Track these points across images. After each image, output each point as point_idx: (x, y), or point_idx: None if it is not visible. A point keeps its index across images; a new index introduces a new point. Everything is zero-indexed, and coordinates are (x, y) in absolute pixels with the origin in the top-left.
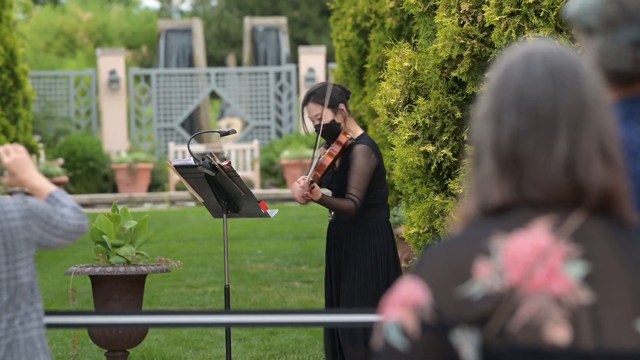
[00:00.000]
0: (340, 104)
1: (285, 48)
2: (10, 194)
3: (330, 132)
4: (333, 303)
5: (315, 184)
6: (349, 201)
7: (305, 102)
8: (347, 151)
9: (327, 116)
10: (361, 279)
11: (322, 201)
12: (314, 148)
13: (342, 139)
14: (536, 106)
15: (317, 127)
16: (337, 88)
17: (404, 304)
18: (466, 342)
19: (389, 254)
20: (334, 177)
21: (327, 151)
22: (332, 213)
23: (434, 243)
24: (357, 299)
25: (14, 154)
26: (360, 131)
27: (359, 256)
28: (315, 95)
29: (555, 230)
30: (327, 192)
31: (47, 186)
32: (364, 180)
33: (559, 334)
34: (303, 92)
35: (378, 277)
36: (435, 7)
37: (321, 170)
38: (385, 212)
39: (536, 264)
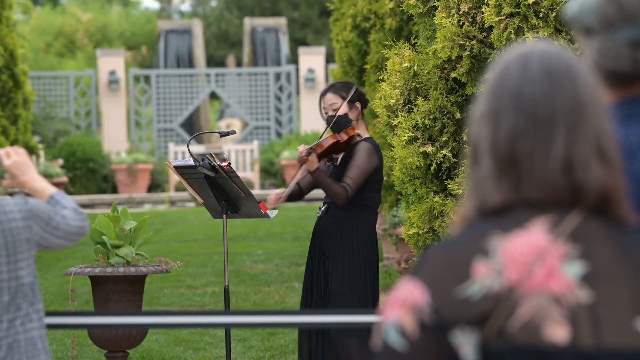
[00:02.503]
0: (357, 102)
1: (285, 48)
2: (11, 194)
3: (340, 125)
4: (313, 296)
5: (313, 154)
6: (342, 187)
7: (325, 93)
8: (350, 147)
9: (343, 109)
10: (349, 275)
11: (317, 174)
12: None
13: (351, 131)
14: (533, 106)
15: (329, 118)
16: (358, 88)
17: (402, 305)
18: (465, 342)
19: (372, 255)
20: (334, 171)
21: (333, 135)
22: (322, 208)
23: (434, 244)
24: (346, 295)
25: (15, 156)
26: (368, 135)
27: (346, 253)
28: (335, 87)
29: (553, 230)
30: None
31: (47, 188)
32: (361, 173)
33: (558, 333)
34: (303, 93)
35: (364, 274)
36: (435, 7)
37: (321, 147)
38: (374, 217)
39: (534, 263)
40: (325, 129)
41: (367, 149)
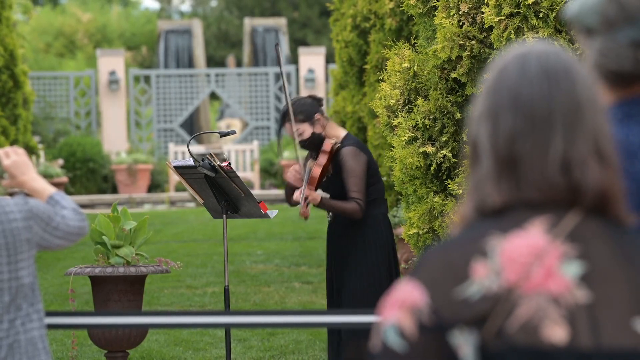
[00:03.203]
0: (315, 115)
1: (285, 49)
2: (11, 194)
3: (314, 145)
4: (334, 302)
5: (310, 194)
6: (353, 203)
7: (282, 124)
8: (335, 156)
9: (306, 131)
10: (363, 276)
11: (325, 205)
12: (304, 161)
13: (327, 146)
14: (531, 106)
15: (300, 142)
16: (307, 100)
17: (401, 306)
18: (464, 343)
19: (388, 249)
20: (329, 182)
21: (315, 163)
22: (331, 214)
23: (434, 244)
24: (359, 296)
25: (14, 156)
26: (343, 132)
27: (359, 253)
28: (288, 117)
29: (551, 230)
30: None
31: (47, 188)
32: (359, 181)
33: (556, 333)
34: (303, 93)
35: (380, 274)
36: (435, 8)
37: (313, 183)
38: (383, 208)
39: (533, 264)
40: (306, 162)
41: (351, 154)
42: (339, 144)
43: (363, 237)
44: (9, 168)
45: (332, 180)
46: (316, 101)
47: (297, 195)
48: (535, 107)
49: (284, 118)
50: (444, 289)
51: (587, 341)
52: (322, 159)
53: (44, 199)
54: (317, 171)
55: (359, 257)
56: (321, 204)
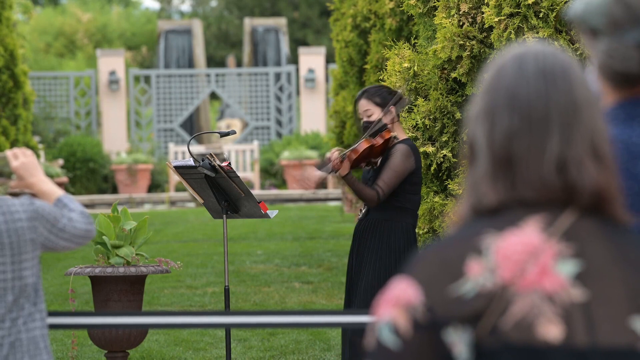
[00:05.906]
0: (392, 106)
1: (285, 49)
2: (14, 195)
3: (374, 131)
4: (351, 299)
5: (345, 161)
6: (373, 190)
7: (359, 98)
8: (389, 149)
9: (375, 114)
10: (376, 279)
11: (347, 179)
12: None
13: (386, 134)
14: (528, 106)
15: (364, 123)
16: (391, 91)
17: (396, 304)
18: (459, 340)
19: (407, 259)
20: (372, 174)
21: (368, 139)
22: (362, 211)
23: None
24: (370, 297)
25: (23, 157)
26: (406, 136)
27: (377, 256)
28: (368, 93)
29: (546, 228)
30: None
31: (55, 190)
32: (394, 176)
33: (551, 331)
34: (303, 93)
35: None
36: (435, 8)
37: (355, 153)
38: (412, 219)
39: (528, 262)
40: (362, 137)
41: (403, 152)
42: (397, 140)
43: (387, 241)
44: (18, 169)
45: (377, 172)
46: (401, 101)
47: (335, 153)
48: (532, 106)
49: (363, 93)
50: (439, 286)
51: (583, 339)
52: (377, 140)
53: (51, 201)
54: (363, 145)
55: (376, 260)
56: (345, 177)
